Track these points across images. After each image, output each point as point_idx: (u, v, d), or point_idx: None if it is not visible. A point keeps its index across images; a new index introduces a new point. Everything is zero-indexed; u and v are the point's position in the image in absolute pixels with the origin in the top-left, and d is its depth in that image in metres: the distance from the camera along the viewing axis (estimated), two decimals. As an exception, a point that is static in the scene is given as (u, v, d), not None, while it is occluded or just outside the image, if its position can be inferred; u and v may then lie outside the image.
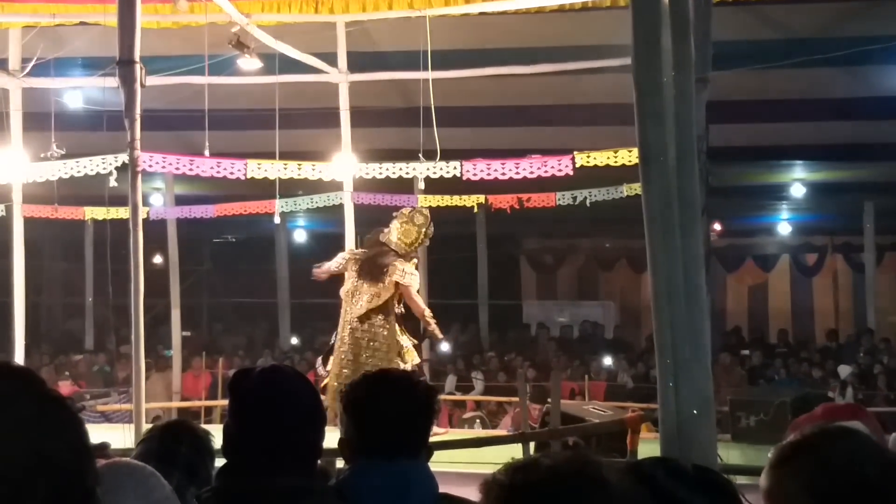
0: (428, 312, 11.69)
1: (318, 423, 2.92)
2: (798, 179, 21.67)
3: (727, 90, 12.86)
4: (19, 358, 13.45)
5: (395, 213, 11.88)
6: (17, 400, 1.55)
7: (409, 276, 11.51)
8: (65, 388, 17.03)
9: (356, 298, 11.48)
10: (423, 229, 11.67)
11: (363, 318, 11.47)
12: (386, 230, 11.67)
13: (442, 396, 12.76)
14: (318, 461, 2.95)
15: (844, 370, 18.29)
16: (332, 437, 2.98)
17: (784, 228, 28.36)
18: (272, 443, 2.78)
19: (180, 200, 19.81)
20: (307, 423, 2.87)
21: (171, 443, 3.50)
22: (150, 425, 5.08)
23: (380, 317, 11.48)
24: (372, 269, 11.46)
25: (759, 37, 14.27)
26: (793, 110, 16.32)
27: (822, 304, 28.47)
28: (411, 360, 11.62)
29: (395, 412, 3.06)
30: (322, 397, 3.27)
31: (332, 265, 11.78)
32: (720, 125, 12.55)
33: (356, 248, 12.45)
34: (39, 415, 1.55)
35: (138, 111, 9.49)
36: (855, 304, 27.20)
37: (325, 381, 11.52)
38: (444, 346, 21.09)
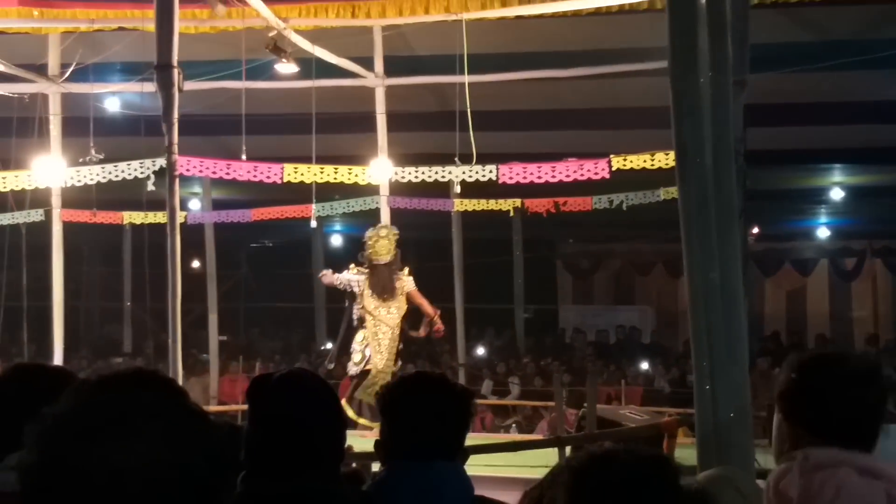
0: (436, 312, 13.34)
1: (338, 426, 2.91)
2: (837, 183, 21.52)
3: (765, 93, 12.77)
4: (58, 361, 13.55)
5: (364, 240, 13.16)
6: (166, 410, 1.54)
7: (411, 282, 13.14)
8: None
9: (384, 311, 12.92)
10: (395, 238, 13.08)
11: (394, 328, 12.98)
12: (373, 257, 12.96)
13: (478, 401, 12.83)
14: (341, 463, 2.94)
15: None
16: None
17: (822, 232, 28.18)
18: (293, 446, 2.77)
19: (218, 205, 19.88)
20: (327, 425, 2.86)
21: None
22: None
23: (400, 323, 13.06)
24: (386, 287, 12.92)
25: (798, 39, 14.16)
26: (831, 113, 16.19)
27: (861, 309, 28.26)
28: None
29: (431, 414, 3.05)
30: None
31: (347, 285, 13.24)
32: (758, 128, 12.48)
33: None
34: (185, 426, 1.54)
35: (176, 116, 9.53)
36: (894, 308, 26.99)
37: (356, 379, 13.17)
38: (480, 350, 21.11)
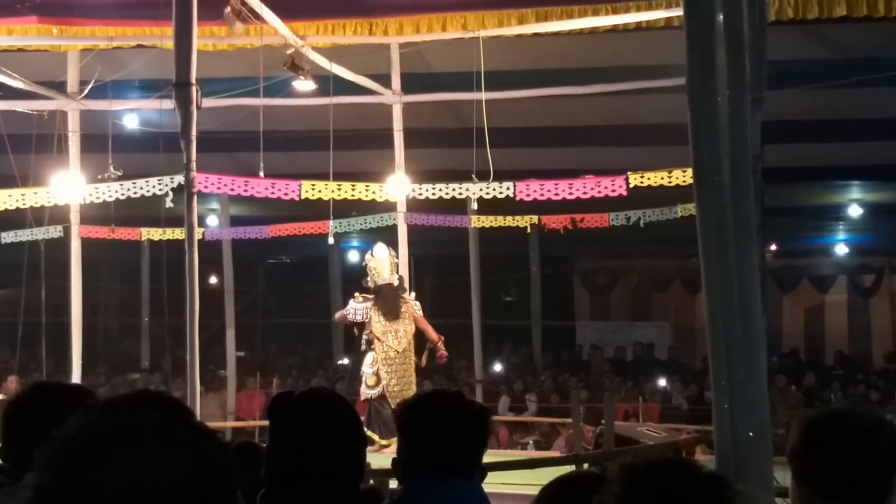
0: (440, 338, 13.40)
1: (358, 445, 2.90)
2: (855, 200, 21.46)
3: (783, 110, 12.75)
4: (76, 377, 13.58)
5: (364, 264, 13.43)
6: (173, 427, 1.55)
7: (418, 307, 13.30)
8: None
9: (392, 336, 12.97)
10: (393, 256, 13.28)
11: (404, 351, 13.05)
12: (376, 278, 13.09)
13: (495, 417, 12.84)
14: (360, 482, 2.93)
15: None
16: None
17: (841, 249, 28.09)
18: (313, 464, 2.76)
19: (235, 221, 19.94)
20: (347, 444, 2.85)
21: None
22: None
23: (411, 346, 13.15)
24: (392, 309, 13.02)
25: (816, 56, 14.14)
26: (849, 130, 16.16)
27: (879, 326, 28.11)
28: None
29: (448, 432, 3.05)
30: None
31: (355, 317, 13.29)
32: (776, 145, 12.45)
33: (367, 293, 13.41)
34: (193, 443, 1.55)
35: (194, 133, 9.54)
36: (913, 325, 26.89)
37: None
38: (498, 367, 21.09)
